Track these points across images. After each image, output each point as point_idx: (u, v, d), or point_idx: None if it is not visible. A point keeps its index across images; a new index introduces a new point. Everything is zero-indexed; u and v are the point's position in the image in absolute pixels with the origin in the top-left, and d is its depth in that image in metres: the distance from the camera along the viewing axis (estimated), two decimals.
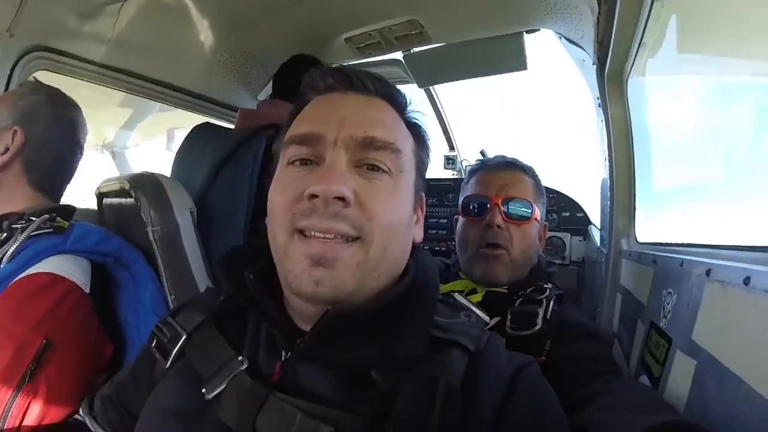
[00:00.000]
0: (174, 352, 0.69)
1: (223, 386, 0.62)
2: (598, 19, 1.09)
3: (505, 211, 1.24)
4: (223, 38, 1.71)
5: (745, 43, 0.89)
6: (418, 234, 0.76)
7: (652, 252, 1.03)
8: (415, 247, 0.74)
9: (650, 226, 1.23)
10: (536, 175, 1.35)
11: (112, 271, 1.14)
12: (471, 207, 1.30)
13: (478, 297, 1.21)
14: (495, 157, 1.40)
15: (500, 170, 1.32)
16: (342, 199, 0.59)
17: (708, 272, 0.67)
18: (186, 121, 2.36)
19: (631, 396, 0.69)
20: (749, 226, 0.84)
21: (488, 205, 1.25)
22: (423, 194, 0.78)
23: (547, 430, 0.59)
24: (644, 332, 0.94)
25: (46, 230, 1.07)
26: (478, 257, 1.24)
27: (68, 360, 0.95)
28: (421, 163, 0.75)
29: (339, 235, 0.60)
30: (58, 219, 1.11)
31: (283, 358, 0.64)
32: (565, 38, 1.46)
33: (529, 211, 1.25)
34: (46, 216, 1.09)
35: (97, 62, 1.52)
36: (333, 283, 0.59)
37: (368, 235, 0.61)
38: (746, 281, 0.54)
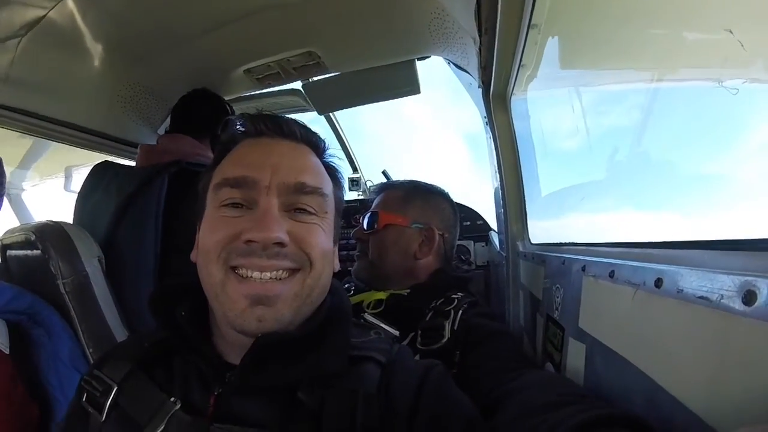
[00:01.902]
0: (107, 404, 0.70)
1: (162, 427, 0.64)
2: (480, 48, 1.18)
3: (363, 224, 1.43)
4: (122, 73, 1.67)
5: (610, 58, 1.02)
6: (337, 264, 0.83)
7: (541, 252, 1.16)
8: None
9: (540, 229, 1.35)
10: (408, 187, 1.49)
11: (27, 329, 1.09)
12: None
13: (382, 295, 1.30)
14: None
15: (375, 195, 1.52)
16: (280, 243, 0.65)
17: (583, 268, 0.79)
18: (85, 158, 2.24)
19: (537, 390, 0.76)
20: (619, 222, 0.98)
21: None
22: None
23: (453, 419, 0.67)
24: (543, 324, 1.06)
25: None
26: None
27: None
28: (339, 202, 0.83)
29: (280, 269, 0.66)
30: None
31: (216, 392, 0.67)
32: (453, 64, 1.58)
33: (376, 219, 1.40)
34: None
35: None
36: (274, 318, 0.65)
37: (306, 266, 0.69)
38: (611, 274, 0.66)
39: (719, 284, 0.41)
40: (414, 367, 0.74)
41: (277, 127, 0.75)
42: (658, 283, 0.51)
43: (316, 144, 0.79)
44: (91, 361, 1.16)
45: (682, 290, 0.46)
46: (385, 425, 0.64)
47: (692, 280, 0.45)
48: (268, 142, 0.75)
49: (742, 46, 0.50)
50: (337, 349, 0.71)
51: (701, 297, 0.43)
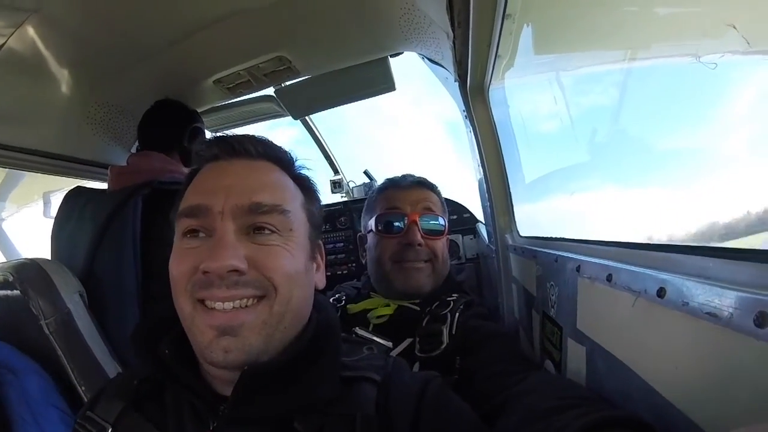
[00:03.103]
0: None
1: None
2: (454, 42, 1.16)
3: (424, 226, 1.31)
4: (89, 94, 1.61)
5: (586, 40, 1.00)
6: (321, 280, 0.81)
7: (532, 247, 1.14)
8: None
9: (528, 220, 1.34)
10: (439, 192, 1.44)
11: None
12: (385, 224, 1.35)
13: (389, 310, 1.26)
14: (404, 175, 1.46)
15: (411, 188, 1.39)
16: (236, 270, 0.63)
17: (578, 268, 0.77)
18: (62, 183, 2.17)
19: (540, 393, 0.75)
20: (615, 214, 0.97)
21: (405, 222, 1.31)
22: (320, 242, 0.82)
23: (455, 431, 0.66)
24: (539, 321, 1.05)
25: None
26: (396, 270, 1.30)
27: None
28: (312, 215, 0.78)
29: (242, 298, 0.64)
30: None
31: (211, 427, 0.65)
32: (428, 59, 1.55)
33: (443, 224, 1.34)
34: None
35: None
36: (241, 348, 0.63)
37: (271, 292, 0.66)
38: (609, 278, 0.64)
39: (728, 301, 0.39)
40: (411, 381, 0.72)
41: (229, 147, 0.73)
42: (661, 293, 0.49)
43: (276, 157, 0.76)
44: (84, 397, 1.13)
45: (687, 303, 0.45)
46: None
47: (698, 294, 0.43)
48: (222, 165, 0.73)
49: (720, 19, 0.49)
50: (328, 374, 0.69)
51: (709, 313, 0.41)
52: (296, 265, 0.69)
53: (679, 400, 0.48)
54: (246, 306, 0.64)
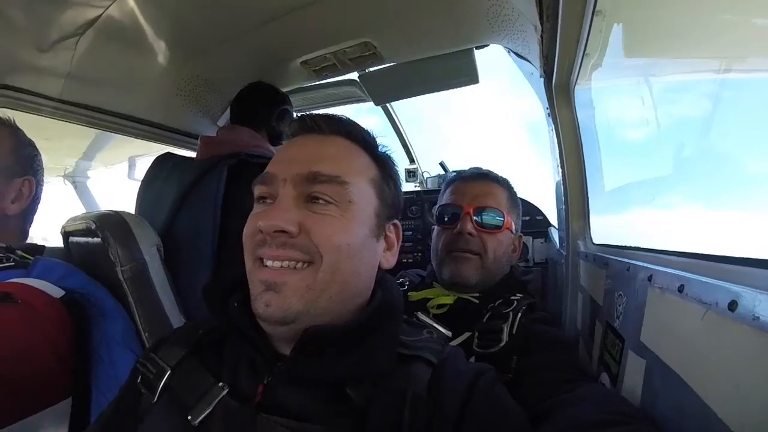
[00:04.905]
0: (160, 386, 0.72)
1: (208, 410, 0.66)
2: (542, 36, 1.12)
3: (477, 219, 1.29)
4: (180, 66, 1.71)
5: (681, 45, 0.95)
6: (389, 260, 0.81)
7: (604, 255, 1.08)
8: (381, 272, 0.80)
9: (604, 227, 1.27)
10: (511, 188, 1.41)
11: (82, 304, 1.13)
12: (444, 216, 1.36)
13: (449, 299, 1.26)
14: (470, 168, 1.45)
15: (474, 181, 1.38)
16: (284, 231, 0.66)
17: (650, 278, 0.72)
18: (147, 149, 2.35)
19: (588, 405, 0.73)
20: (691, 225, 0.91)
21: (460, 214, 1.31)
22: (397, 222, 0.83)
23: (501, 427, 0.65)
24: (602, 332, 0.99)
25: (8, 264, 1.08)
26: (447, 260, 1.30)
27: None
28: (384, 192, 0.79)
29: (290, 260, 0.67)
30: (18, 252, 1.12)
31: (265, 381, 0.68)
32: (513, 52, 1.51)
33: (501, 219, 1.31)
34: (2, 246, 1.10)
35: (56, 98, 1.51)
36: (280, 305, 0.66)
37: (317, 258, 0.68)
38: (680, 288, 0.60)
39: None
40: (465, 370, 0.72)
41: (304, 124, 0.78)
42: (732, 306, 0.45)
43: (350, 133, 0.78)
44: (146, 344, 1.21)
45: (758, 318, 0.41)
46: (431, 428, 0.63)
47: None
48: (297, 140, 0.78)
49: None
50: (386, 345, 0.71)
51: None
52: (349, 238, 0.70)
53: (736, 425, 0.44)
54: (294, 268, 0.67)
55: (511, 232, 1.34)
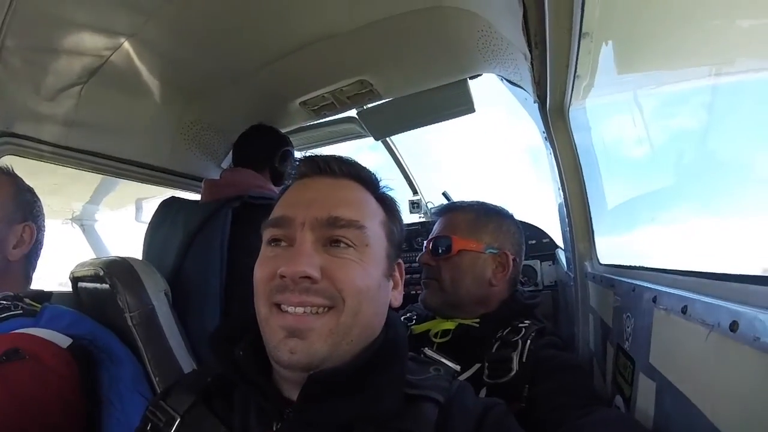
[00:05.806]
0: None
1: None
2: (532, 63, 1.14)
3: (433, 249, 1.35)
4: (182, 111, 1.75)
5: (670, 58, 0.97)
6: (397, 298, 0.82)
7: (610, 276, 1.08)
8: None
9: (609, 247, 1.27)
10: (479, 209, 1.40)
11: (90, 350, 1.13)
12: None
13: (450, 325, 1.27)
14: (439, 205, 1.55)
15: (439, 216, 1.46)
16: (308, 277, 0.66)
17: (654, 299, 0.72)
18: (154, 191, 2.37)
19: (603, 430, 0.72)
20: (691, 237, 0.90)
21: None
22: (400, 261, 0.85)
23: None
24: (613, 354, 0.99)
25: (16, 313, 1.08)
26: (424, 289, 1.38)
27: None
28: (392, 233, 0.80)
29: (312, 305, 0.67)
30: (26, 300, 1.13)
31: (274, 428, 0.68)
32: (506, 80, 1.53)
33: (448, 243, 1.33)
34: (10, 295, 1.11)
35: (61, 144, 1.53)
36: (306, 351, 0.65)
37: (339, 303, 0.68)
38: (684, 310, 0.60)
39: None
40: (473, 406, 0.71)
41: (315, 166, 0.78)
42: (733, 326, 0.45)
43: (360, 177, 0.79)
44: (157, 388, 1.21)
45: (758, 338, 0.41)
46: None
47: None
48: (308, 182, 0.78)
49: None
50: (391, 388, 0.69)
51: None
52: (368, 280, 0.71)
53: None
54: (316, 313, 0.67)
55: (478, 252, 1.33)
